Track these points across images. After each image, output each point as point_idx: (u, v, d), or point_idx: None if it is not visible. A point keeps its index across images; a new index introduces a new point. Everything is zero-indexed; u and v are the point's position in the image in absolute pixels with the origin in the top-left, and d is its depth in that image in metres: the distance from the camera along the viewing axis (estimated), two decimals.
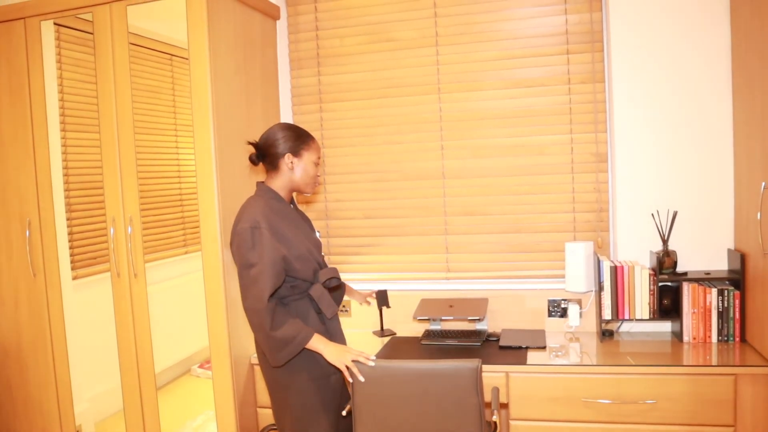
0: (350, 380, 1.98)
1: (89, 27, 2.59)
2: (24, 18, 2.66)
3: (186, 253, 2.84)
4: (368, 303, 2.64)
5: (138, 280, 2.57)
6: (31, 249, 2.72)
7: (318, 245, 2.20)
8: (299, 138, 2.10)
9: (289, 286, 2.07)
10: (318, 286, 2.11)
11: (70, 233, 2.72)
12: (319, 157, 2.14)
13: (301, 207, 3.10)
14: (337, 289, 2.32)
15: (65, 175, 2.70)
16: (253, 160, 2.14)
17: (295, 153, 2.09)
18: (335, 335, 2.17)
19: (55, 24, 2.67)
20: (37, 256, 2.72)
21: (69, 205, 2.71)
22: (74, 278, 2.72)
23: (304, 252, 2.07)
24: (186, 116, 2.51)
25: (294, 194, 2.22)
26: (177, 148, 2.80)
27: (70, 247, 2.72)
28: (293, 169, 2.10)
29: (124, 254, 2.58)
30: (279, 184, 2.12)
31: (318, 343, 2.01)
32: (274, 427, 2.58)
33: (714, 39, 2.54)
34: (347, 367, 1.97)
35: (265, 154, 2.12)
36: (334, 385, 2.12)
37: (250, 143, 2.14)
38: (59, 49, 2.69)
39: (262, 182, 2.15)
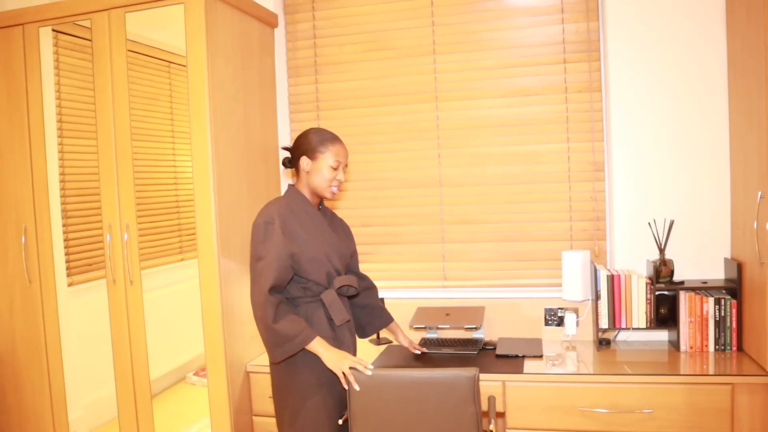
0: (345, 387, 1.97)
1: (87, 34, 2.60)
2: (22, 24, 2.66)
3: (182, 260, 2.83)
4: (415, 352, 2.58)
5: (134, 287, 2.56)
6: (27, 255, 2.71)
7: (341, 252, 2.18)
8: (319, 141, 2.12)
9: (300, 287, 2.08)
10: (331, 292, 2.11)
11: (66, 240, 2.70)
12: (338, 162, 2.11)
13: None
14: (354, 297, 2.34)
15: (62, 181, 2.70)
16: (285, 164, 2.22)
17: (311, 156, 2.11)
18: (343, 343, 2.16)
19: (53, 30, 2.67)
20: (33, 262, 2.70)
21: (65, 211, 2.70)
22: (70, 285, 2.71)
23: (319, 255, 2.07)
24: (183, 123, 2.51)
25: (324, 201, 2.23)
26: (174, 156, 2.79)
27: (66, 254, 2.71)
28: (309, 172, 2.12)
29: (120, 261, 2.57)
30: (302, 186, 2.16)
31: (318, 346, 2.00)
32: None
33: (710, 48, 2.55)
34: (344, 374, 1.96)
35: (292, 157, 2.18)
36: (339, 393, 2.10)
37: (284, 148, 2.24)
38: (57, 55, 2.69)
39: (293, 185, 2.19)
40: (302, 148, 2.13)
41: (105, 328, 2.62)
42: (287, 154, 2.26)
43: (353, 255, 2.34)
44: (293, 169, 2.20)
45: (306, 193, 2.16)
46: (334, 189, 2.14)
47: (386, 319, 2.47)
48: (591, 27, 2.76)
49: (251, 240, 2.05)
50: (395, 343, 2.85)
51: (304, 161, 2.12)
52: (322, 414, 2.05)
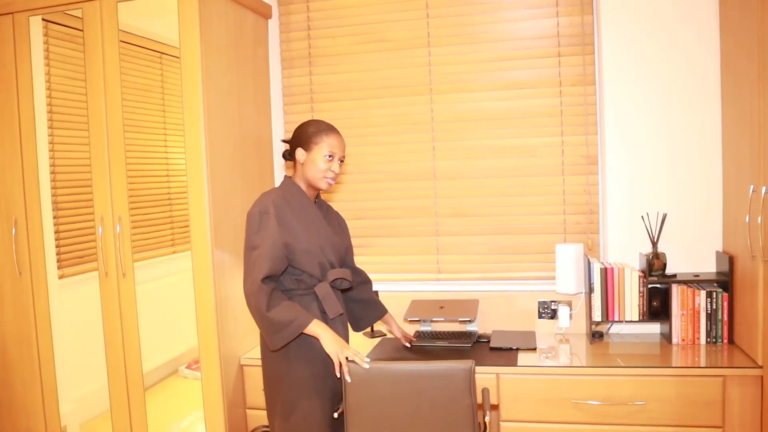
0: (338, 375, 1.96)
1: (77, 23, 2.56)
2: (12, 13, 2.62)
3: (174, 252, 2.82)
4: (405, 344, 2.64)
5: (126, 279, 2.55)
6: (18, 247, 2.68)
7: (336, 245, 2.17)
8: (315, 132, 2.10)
9: (294, 279, 2.07)
10: (324, 285, 2.10)
11: (56, 232, 2.68)
12: (333, 153, 2.09)
13: None
14: (348, 290, 2.34)
15: (52, 173, 2.67)
16: (284, 156, 2.20)
17: (306, 146, 2.10)
18: None
19: (43, 20, 2.64)
20: (24, 254, 2.68)
21: (56, 203, 2.67)
22: (60, 277, 2.69)
23: (312, 247, 2.06)
24: (175, 115, 2.49)
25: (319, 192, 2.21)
26: (166, 147, 2.77)
27: (57, 246, 2.68)
28: (304, 163, 2.11)
29: (113, 253, 2.55)
30: (298, 177, 2.15)
31: (317, 328, 1.97)
32: (265, 428, 2.56)
33: (703, 42, 2.56)
34: (340, 363, 1.95)
35: (290, 149, 2.18)
36: (332, 386, 2.09)
37: (283, 141, 2.24)
38: (47, 45, 2.66)
39: (289, 176, 2.18)
40: (299, 139, 2.12)
41: (96, 320, 2.60)
42: (286, 146, 2.24)
43: (348, 249, 2.34)
44: (291, 161, 2.19)
45: (302, 185, 2.14)
46: (329, 180, 2.11)
47: (381, 311, 2.48)
48: (585, 20, 2.76)
49: (246, 230, 2.04)
50: (389, 335, 2.86)
51: (300, 152, 2.11)
52: (317, 411, 2.05)
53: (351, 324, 2.46)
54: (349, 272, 2.21)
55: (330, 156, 2.08)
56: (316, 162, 2.08)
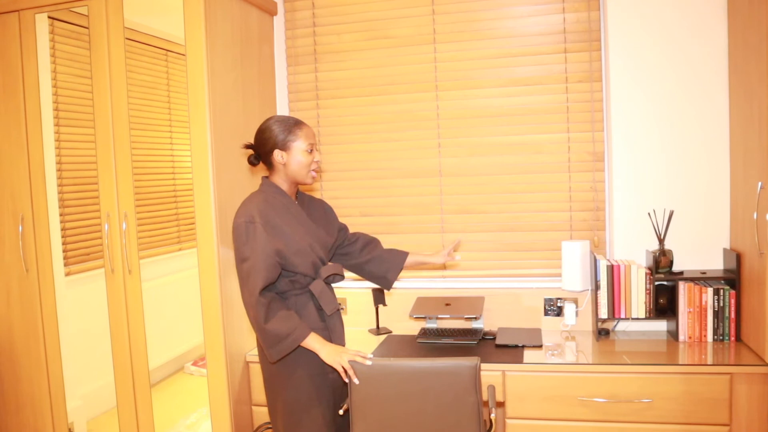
0: (346, 381, 1.97)
1: (84, 21, 2.57)
2: (18, 11, 2.63)
3: (180, 249, 2.82)
4: (452, 258, 2.39)
5: (132, 276, 2.55)
6: (24, 244, 2.69)
7: (323, 241, 2.16)
8: (286, 130, 2.06)
9: (288, 281, 2.06)
10: (319, 282, 2.09)
11: (63, 229, 2.69)
12: (311, 144, 2.08)
13: None
14: (341, 279, 2.29)
15: (59, 170, 2.68)
16: (252, 162, 2.15)
17: (283, 147, 2.06)
18: (335, 332, 2.16)
19: (49, 17, 2.64)
20: (30, 251, 2.69)
21: (62, 200, 2.68)
22: (67, 274, 2.70)
23: (303, 247, 2.05)
24: (180, 112, 2.49)
25: (299, 187, 2.19)
26: (171, 145, 2.78)
27: (63, 243, 2.69)
28: (286, 163, 2.08)
29: (119, 250, 2.56)
30: (279, 178, 2.11)
31: (314, 343, 1.99)
32: (269, 426, 2.57)
33: (711, 39, 2.54)
34: (344, 369, 1.96)
35: (259, 154, 2.12)
36: (332, 383, 2.10)
37: (246, 146, 2.14)
38: (53, 42, 2.67)
39: (266, 177, 2.14)
40: (270, 142, 2.06)
41: (103, 317, 2.61)
42: (250, 151, 2.18)
43: (341, 230, 2.31)
44: (264, 164, 2.13)
45: (283, 185, 2.11)
46: (313, 173, 2.11)
47: (403, 255, 2.36)
48: (592, 17, 2.74)
49: (234, 241, 2.00)
50: (394, 333, 2.85)
51: (278, 155, 2.06)
52: (319, 421, 2.05)
53: (381, 284, 2.38)
54: (341, 267, 2.20)
55: (309, 148, 2.07)
56: (299, 158, 2.07)
